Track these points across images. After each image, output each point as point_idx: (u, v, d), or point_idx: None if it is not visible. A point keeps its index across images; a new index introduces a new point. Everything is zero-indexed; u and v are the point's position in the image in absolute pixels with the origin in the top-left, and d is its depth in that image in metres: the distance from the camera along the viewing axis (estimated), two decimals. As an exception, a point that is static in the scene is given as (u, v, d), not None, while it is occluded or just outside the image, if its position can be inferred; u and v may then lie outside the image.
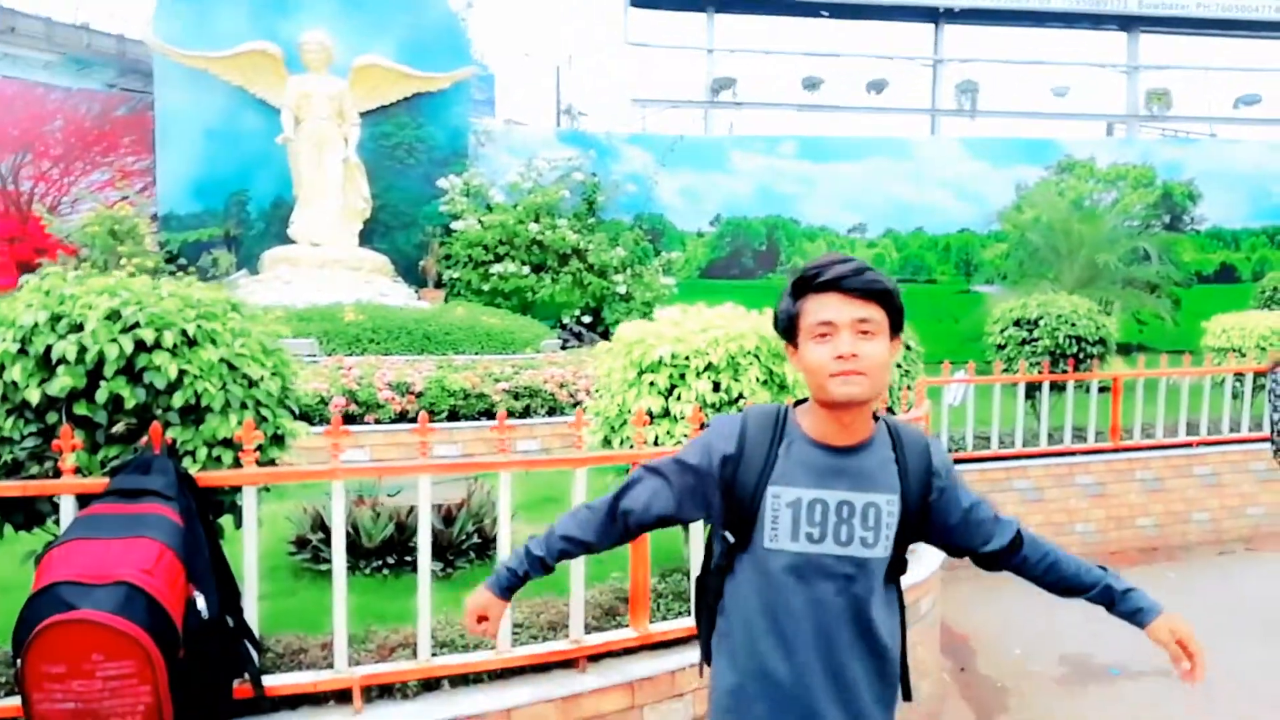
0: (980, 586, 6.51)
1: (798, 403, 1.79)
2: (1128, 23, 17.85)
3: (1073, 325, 7.47)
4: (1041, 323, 7.56)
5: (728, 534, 1.76)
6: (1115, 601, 1.84)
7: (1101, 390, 7.60)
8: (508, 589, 1.90)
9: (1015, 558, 1.86)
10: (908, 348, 5.63)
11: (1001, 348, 7.81)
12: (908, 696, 1.85)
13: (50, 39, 18.39)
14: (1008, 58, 18.48)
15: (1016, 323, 7.75)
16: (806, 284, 1.66)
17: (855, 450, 1.70)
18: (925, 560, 4.35)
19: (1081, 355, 7.51)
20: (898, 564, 1.78)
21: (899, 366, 5.48)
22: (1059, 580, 1.87)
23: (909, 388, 5.21)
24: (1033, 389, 7.47)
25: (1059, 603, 5.87)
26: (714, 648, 1.83)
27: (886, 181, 15.82)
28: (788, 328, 1.71)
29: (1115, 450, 7.44)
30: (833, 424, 1.69)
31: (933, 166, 15.92)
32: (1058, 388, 7.46)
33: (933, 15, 17.45)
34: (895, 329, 1.68)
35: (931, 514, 1.77)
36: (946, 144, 16.47)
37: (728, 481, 1.73)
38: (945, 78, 17.83)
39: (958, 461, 6.98)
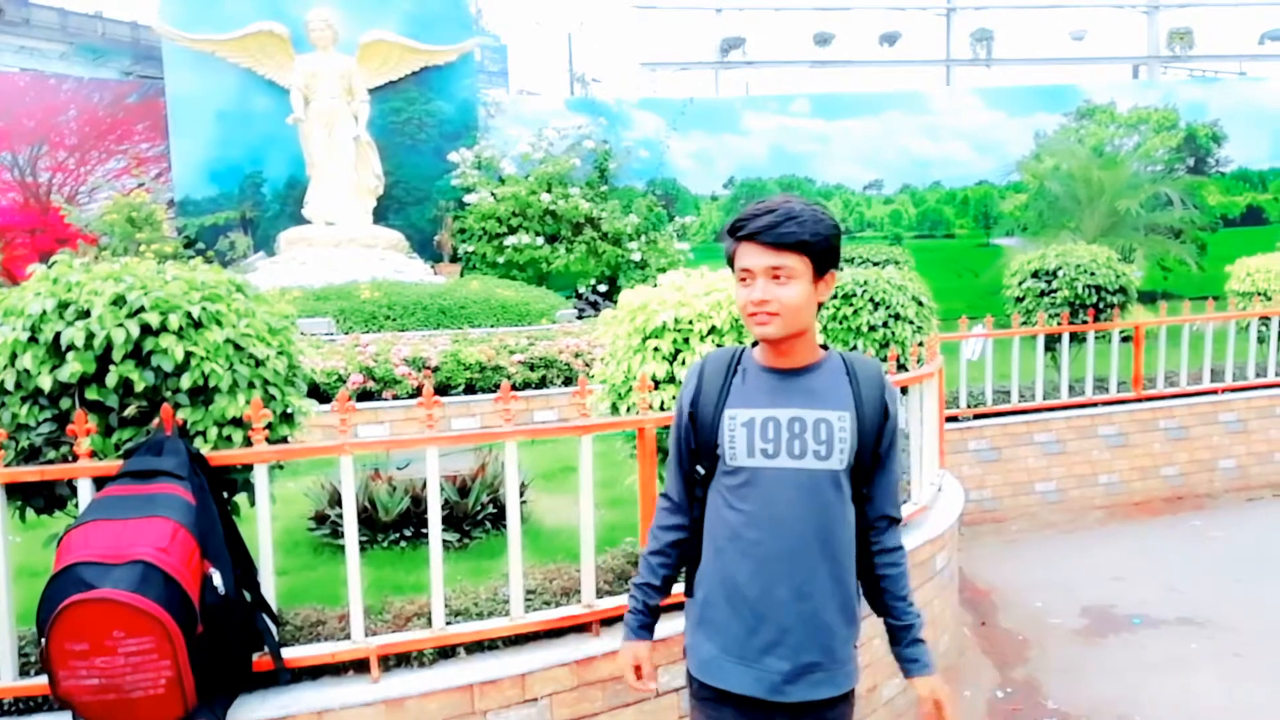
0: (1001, 542, 6.52)
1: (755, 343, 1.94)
2: (1147, -39, 17.41)
3: (1091, 275, 7.36)
4: (1060, 273, 7.46)
5: (699, 468, 1.92)
6: (903, 642, 1.96)
7: (1123, 340, 7.52)
8: (641, 629, 2.05)
9: (875, 536, 1.95)
10: (920, 304, 5.59)
11: (1020, 300, 7.72)
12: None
13: (65, 29, 18.47)
14: (1023, 3, 18.08)
15: (1035, 274, 7.65)
16: (733, 232, 1.83)
17: (803, 372, 1.86)
18: (940, 515, 4.35)
19: (1102, 305, 7.40)
20: (861, 480, 1.89)
21: (910, 323, 5.44)
22: (883, 591, 1.96)
23: (921, 344, 5.18)
24: (1052, 341, 7.39)
25: (1082, 556, 5.88)
26: (698, 569, 1.96)
27: (902, 136, 15.60)
28: (731, 265, 1.87)
29: (1138, 400, 7.36)
30: (772, 354, 1.87)
31: (949, 118, 15.67)
32: (1078, 339, 7.38)
33: (945, -37, 17.13)
34: (821, 269, 1.82)
35: (882, 435, 1.88)
36: (962, 95, 16.19)
37: (694, 417, 1.91)
38: (959, 26, 17.48)
39: (978, 416, 6.96)
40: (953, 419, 6.73)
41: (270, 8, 12.30)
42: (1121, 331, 7.46)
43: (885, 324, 5.41)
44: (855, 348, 5.34)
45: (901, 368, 4.74)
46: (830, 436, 1.82)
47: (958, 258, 15.40)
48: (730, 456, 1.84)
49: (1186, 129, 15.66)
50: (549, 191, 12.82)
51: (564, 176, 13.09)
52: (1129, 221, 13.45)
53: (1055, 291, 7.41)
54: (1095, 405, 7.24)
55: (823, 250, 1.80)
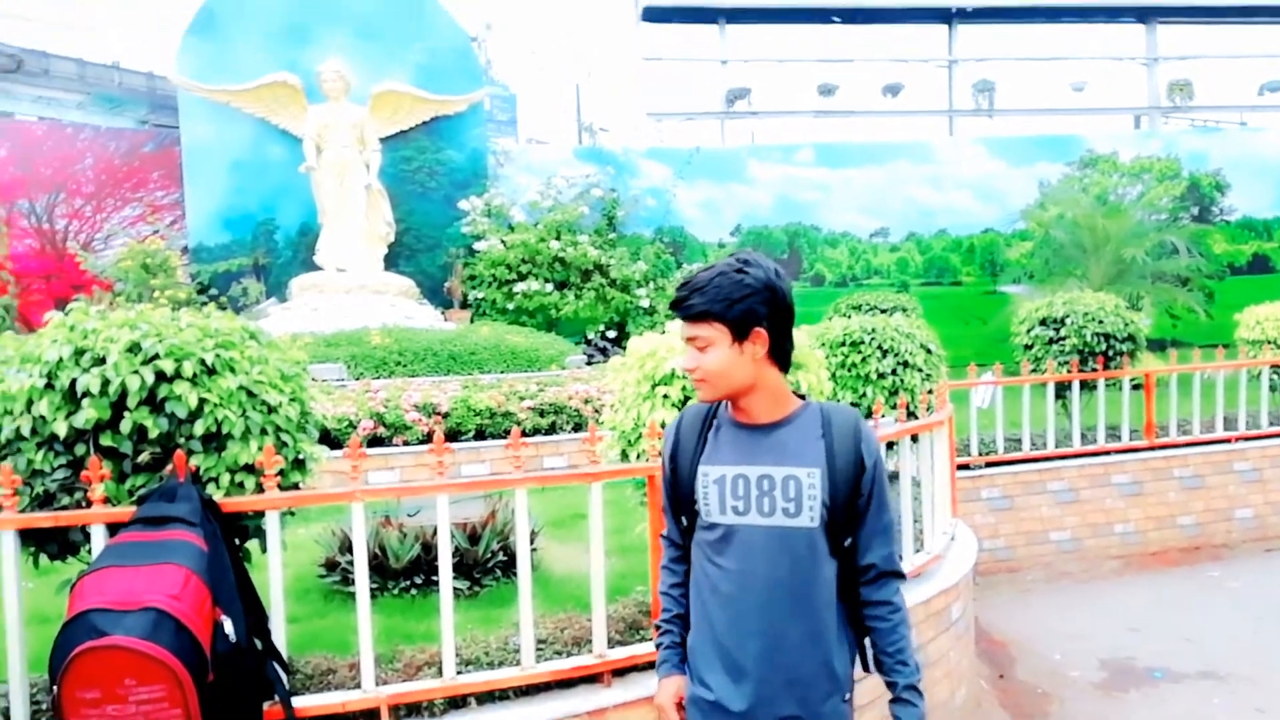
0: (1016, 592, 6.44)
1: None
2: (1145, 14, 17.65)
3: (1100, 323, 7.37)
4: (1068, 321, 7.46)
5: (682, 519, 1.96)
6: (892, 698, 1.91)
7: (1134, 388, 7.49)
8: (678, 663, 2.02)
9: (863, 589, 1.92)
10: (928, 351, 5.58)
11: (1029, 348, 7.72)
12: (865, 667, 1.98)
13: (83, 79, 18.85)
14: (1023, 55, 18.35)
15: (1043, 322, 7.66)
16: (672, 307, 1.91)
17: (774, 427, 1.88)
18: (954, 564, 4.31)
19: (1111, 353, 7.40)
20: (838, 538, 1.86)
21: (919, 370, 5.44)
22: (873, 644, 1.94)
23: (930, 391, 5.17)
24: (1062, 389, 7.37)
25: (1098, 607, 5.81)
26: (692, 614, 1.99)
27: (907, 185, 15.74)
28: None
29: (1151, 448, 7.32)
30: (737, 410, 1.91)
31: (953, 168, 15.81)
32: (1088, 386, 7.36)
33: (945, 16, 17.38)
34: (742, 332, 1.82)
35: (860, 490, 1.86)
36: (965, 144, 16.36)
37: (674, 471, 1.96)
38: (961, 78, 17.72)
39: (990, 464, 6.92)
40: (964, 467, 6.69)
41: (284, 59, 12.55)
42: (1132, 379, 7.44)
43: (894, 371, 5.40)
44: (864, 395, 5.33)
45: (911, 415, 4.72)
46: (799, 494, 1.83)
47: (965, 305, 15.43)
48: (705, 513, 1.89)
49: (1189, 178, 15.77)
50: (558, 239, 12.93)
51: (573, 224, 13.21)
52: (1135, 269, 13.48)
53: (1064, 339, 7.41)
54: (1108, 453, 7.20)
55: (736, 316, 1.81)
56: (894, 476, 4.64)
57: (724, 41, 16.95)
